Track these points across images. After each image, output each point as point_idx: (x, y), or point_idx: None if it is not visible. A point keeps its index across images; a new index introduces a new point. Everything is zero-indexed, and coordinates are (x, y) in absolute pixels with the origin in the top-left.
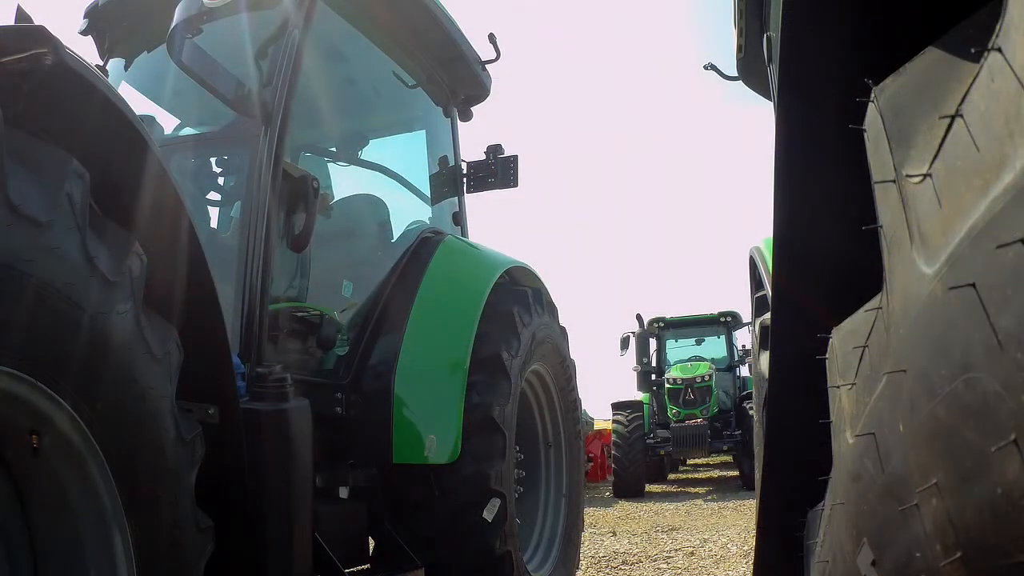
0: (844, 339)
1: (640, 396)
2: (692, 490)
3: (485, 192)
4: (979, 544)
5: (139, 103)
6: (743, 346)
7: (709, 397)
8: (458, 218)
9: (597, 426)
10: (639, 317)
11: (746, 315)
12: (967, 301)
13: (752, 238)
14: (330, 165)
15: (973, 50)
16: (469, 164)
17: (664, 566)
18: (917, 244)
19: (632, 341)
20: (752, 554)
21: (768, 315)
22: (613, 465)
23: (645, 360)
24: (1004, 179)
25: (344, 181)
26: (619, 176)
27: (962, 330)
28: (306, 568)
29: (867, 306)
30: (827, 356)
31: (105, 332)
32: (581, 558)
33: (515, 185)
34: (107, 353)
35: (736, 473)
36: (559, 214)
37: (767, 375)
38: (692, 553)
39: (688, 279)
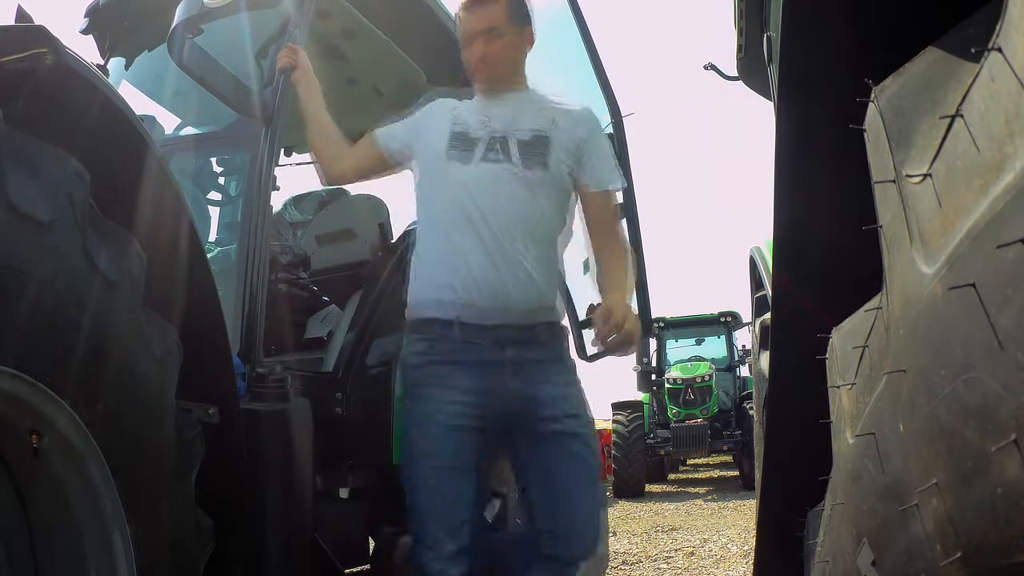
0: (844, 339)
1: (640, 396)
2: (692, 490)
3: None
4: (979, 544)
5: (139, 103)
6: (743, 346)
7: (709, 397)
8: None
9: (597, 426)
10: None
11: (746, 315)
12: (967, 301)
13: (752, 238)
14: None
15: (973, 50)
16: None
17: (664, 566)
18: (917, 244)
19: None
20: (752, 554)
21: (768, 315)
22: (613, 465)
23: (645, 360)
24: (1004, 179)
25: None
26: None
27: (962, 330)
28: (306, 568)
29: (867, 306)
30: (827, 356)
31: (105, 332)
32: None
33: None
34: (107, 353)
35: (736, 473)
36: None
37: (767, 375)
38: (692, 553)
39: (688, 279)
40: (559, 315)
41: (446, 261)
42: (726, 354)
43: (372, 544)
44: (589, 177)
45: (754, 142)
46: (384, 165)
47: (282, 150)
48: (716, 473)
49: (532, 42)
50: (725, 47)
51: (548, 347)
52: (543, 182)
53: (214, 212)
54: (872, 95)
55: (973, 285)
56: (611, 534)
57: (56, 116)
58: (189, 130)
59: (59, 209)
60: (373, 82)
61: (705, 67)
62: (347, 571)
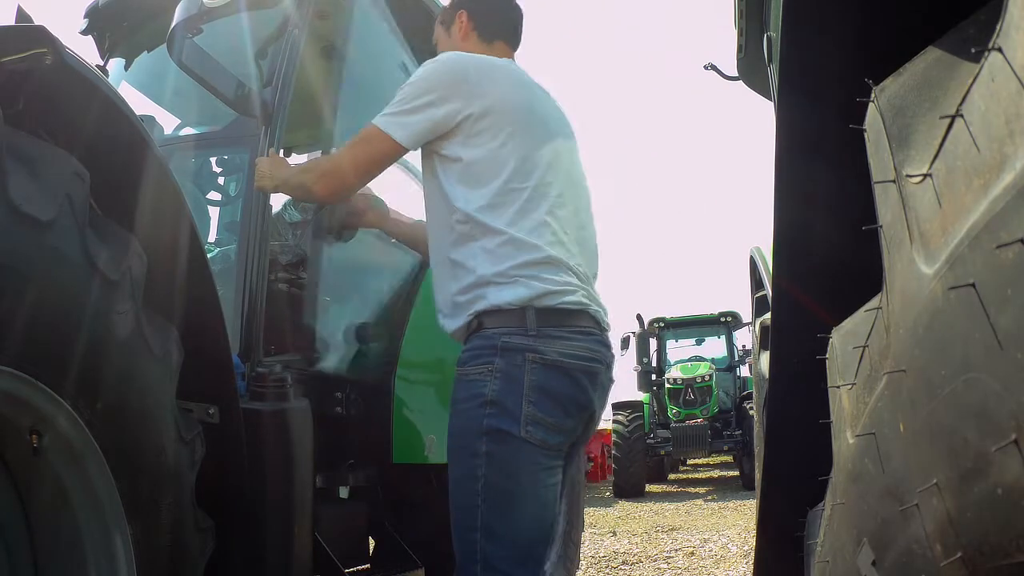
0: (844, 339)
1: (640, 396)
2: (692, 490)
3: None
4: (979, 544)
5: (139, 103)
6: (743, 346)
7: (709, 397)
8: None
9: (598, 426)
10: (639, 317)
11: (746, 315)
12: (967, 301)
13: (752, 238)
14: None
15: (973, 50)
16: None
17: (664, 566)
18: (917, 244)
19: (632, 341)
20: (752, 554)
21: (768, 315)
22: (613, 465)
23: (645, 360)
24: (1004, 179)
25: None
26: (618, 176)
27: (962, 330)
28: (306, 568)
29: (867, 306)
30: (827, 356)
31: (105, 332)
32: (581, 558)
33: None
34: (107, 353)
35: (736, 473)
36: None
37: (767, 375)
38: (692, 553)
39: (688, 279)
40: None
41: None
42: (726, 354)
43: (372, 544)
44: None
45: (754, 142)
46: None
47: (282, 150)
48: (716, 473)
49: (458, 28)
50: (725, 47)
51: None
52: None
53: (214, 212)
54: (872, 95)
55: (973, 285)
56: (611, 534)
57: (56, 116)
58: (189, 130)
59: (59, 209)
60: (373, 82)
61: (705, 67)
62: (347, 571)
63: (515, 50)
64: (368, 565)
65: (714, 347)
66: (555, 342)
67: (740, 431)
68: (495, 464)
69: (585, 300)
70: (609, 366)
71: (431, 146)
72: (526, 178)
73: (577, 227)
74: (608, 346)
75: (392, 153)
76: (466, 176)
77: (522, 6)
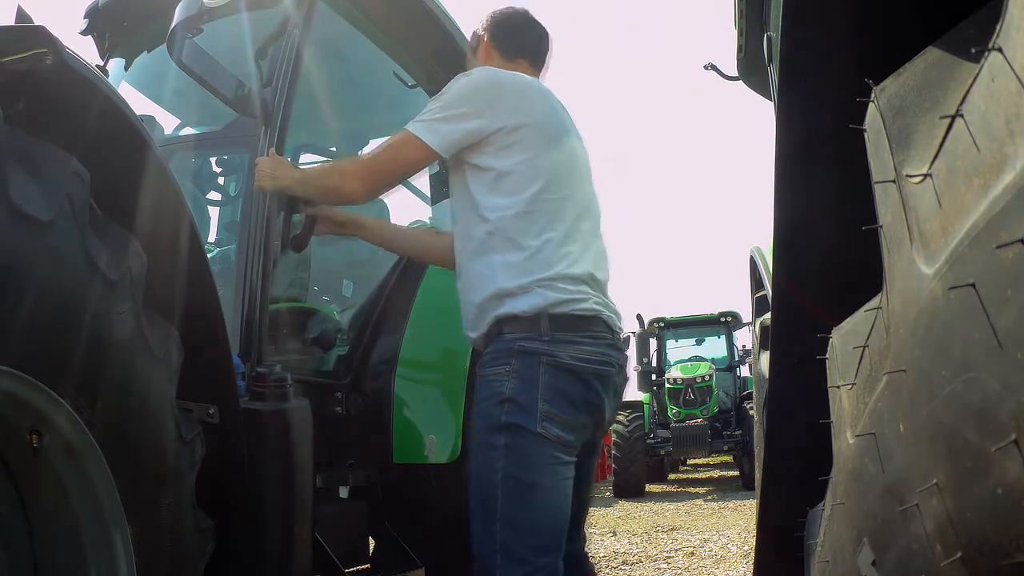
0: (844, 339)
1: (640, 396)
2: (692, 490)
3: None
4: (979, 544)
5: (139, 103)
6: (743, 346)
7: (709, 397)
8: None
9: None
10: (639, 317)
11: (746, 315)
12: (967, 301)
13: (752, 238)
14: None
15: (973, 50)
16: None
17: (664, 566)
18: (917, 244)
19: (632, 341)
20: (752, 554)
21: (768, 315)
22: (613, 465)
23: (645, 360)
24: (1004, 179)
25: None
26: (618, 176)
27: (962, 330)
28: (306, 568)
29: (867, 306)
30: (827, 356)
31: (105, 332)
32: None
33: None
34: (107, 353)
35: (736, 473)
36: None
37: (767, 375)
38: (692, 553)
39: (688, 279)
40: None
41: None
42: (726, 354)
43: (372, 544)
44: None
45: (754, 142)
46: None
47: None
48: (716, 473)
49: (482, 49)
50: (725, 47)
51: None
52: None
53: (214, 212)
54: (872, 95)
55: (973, 285)
56: (611, 534)
57: (56, 116)
58: (189, 130)
59: (59, 209)
60: (373, 82)
61: (705, 67)
62: (347, 571)
63: (539, 70)
64: (368, 565)
65: (714, 347)
66: (568, 346)
67: (740, 431)
68: (513, 457)
69: (597, 306)
70: (621, 368)
71: (462, 155)
72: (557, 189)
73: (596, 237)
74: (620, 349)
75: (424, 158)
76: (498, 186)
77: (524, 4)
